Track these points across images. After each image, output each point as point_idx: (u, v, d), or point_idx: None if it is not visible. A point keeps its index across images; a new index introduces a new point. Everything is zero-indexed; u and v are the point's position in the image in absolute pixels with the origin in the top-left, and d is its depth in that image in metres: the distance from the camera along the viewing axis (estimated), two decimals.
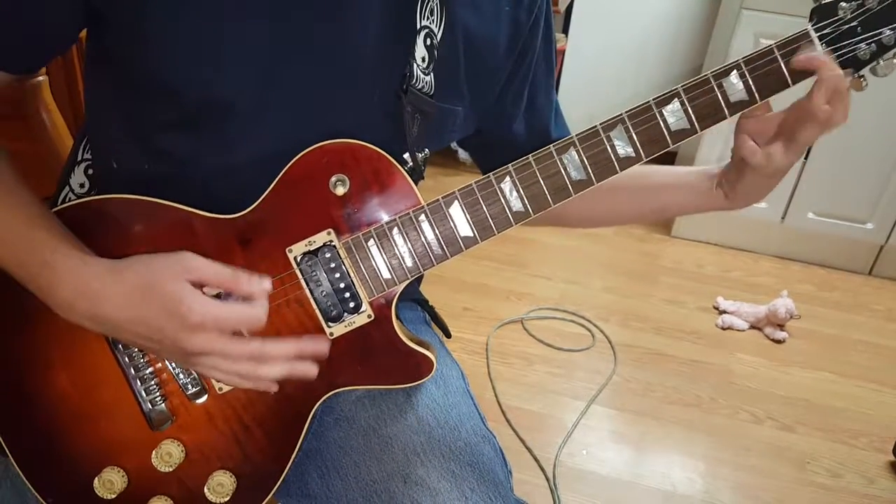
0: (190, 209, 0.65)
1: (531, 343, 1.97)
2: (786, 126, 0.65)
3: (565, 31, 2.77)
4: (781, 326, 2.05)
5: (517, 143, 0.80)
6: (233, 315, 0.60)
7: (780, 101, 0.66)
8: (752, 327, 2.09)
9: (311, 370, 0.64)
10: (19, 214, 0.61)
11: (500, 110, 0.79)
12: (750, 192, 0.72)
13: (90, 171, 0.75)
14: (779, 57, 0.63)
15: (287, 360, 0.63)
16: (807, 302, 2.18)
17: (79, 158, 0.76)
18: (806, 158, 2.25)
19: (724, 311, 2.12)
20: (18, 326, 0.66)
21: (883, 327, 2.16)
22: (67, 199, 0.75)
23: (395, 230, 0.65)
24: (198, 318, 0.57)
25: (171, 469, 0.68)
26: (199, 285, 0.59)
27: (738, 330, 2.08)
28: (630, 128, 0.64)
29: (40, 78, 0.85)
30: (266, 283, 0.62)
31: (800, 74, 0.63)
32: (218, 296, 0.62)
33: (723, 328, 2.08)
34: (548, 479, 1.54)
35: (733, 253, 2.47)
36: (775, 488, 1.57)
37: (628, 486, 1.55)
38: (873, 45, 0.62)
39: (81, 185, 0.75)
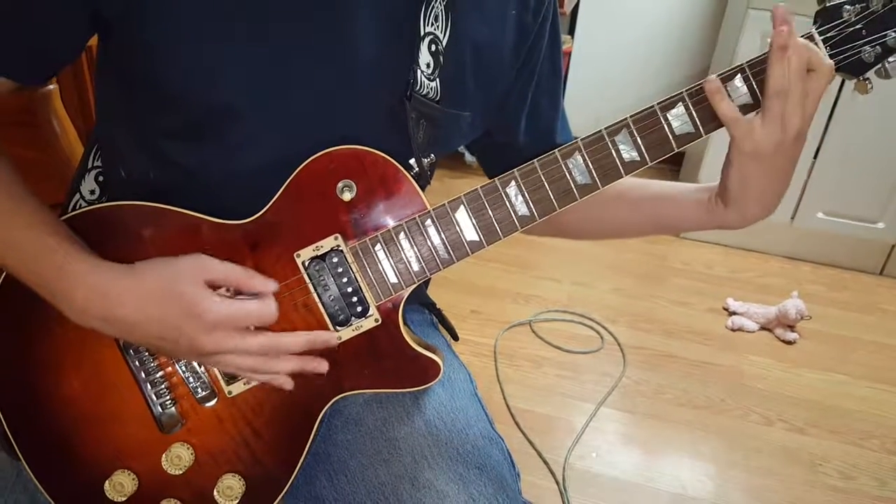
0: (199, 215, 0.65)
1: (539, 345, 1.97)
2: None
3: (571, 32, 2.77)
4: (792, 327, 2.04)
5: (520, 146, 0.80)
6: (246, 312, 0.61)
7: None
8: (763, 328, 2.08)
9: (321, 365, 0.66)
10: (31, 221, 0.62)
11: (504, 113, 0.79)
12: (742, 188, 0.67)
13: (100, 179, 0.76)
14: None
15: (298, 353, 0.64)
16: (817, 302, 2.17)
17: (89, 166, 0.77)
18: (815, 158, 2.24)
19: (734, 313, 2.11)
20: (30, 332, 0.67)
21: (894, 328, 2.14)
22: (78, 206, 0.76)
23: (402, 235, 0.66)
24: (213, 318, 0.59)
25: (180, 472, 0.68)
26: (213, 286, 0.61)
27: (748, 331, 2.07)
28: (635, 132, 0.65)
29: (51, 87, 0.87)
30: (272, 283, 0.64)
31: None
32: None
33: (733, 329, 2.08)
34: (557, 482, 1.54)
35: (742, 254, 2.46)
36: (786, 490, 1.57)
37: (638, 489, 1.55)
38: (878, 47, 0.62)
39: (92, 192, 0.76)
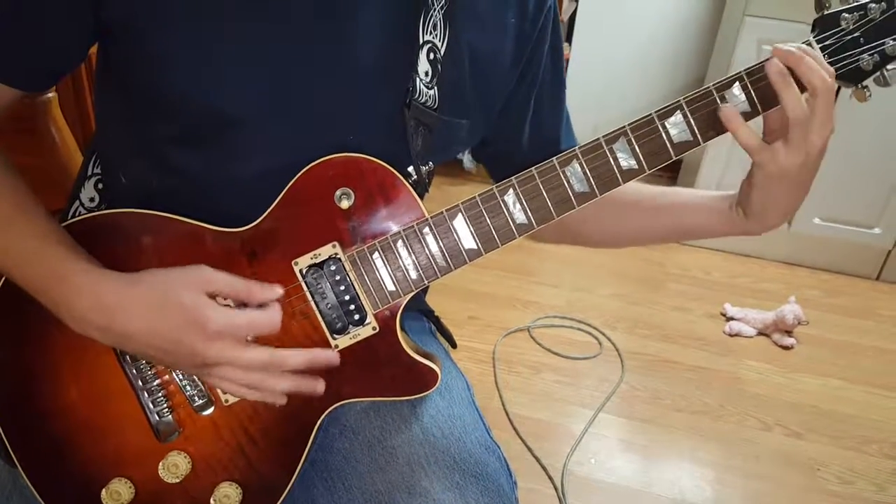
0: (197, 223, 0.66)
1: (538, 351, 1.97)
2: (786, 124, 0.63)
3: (568, 40, 2.77)
4: (789, 333, 2.04)
5: (525, 154, 0.80)
6: (250, 321, 0.61)
7: None
8: (760, 334, 2.08)
9: (318, 386, 0.66)
10: (33, 229, 0.62)
11: (506, 121, 0.79)
12: (765, 203, 0.67)
13: (100, 186, 0.76)
14: None
15: (297, 372, 0.64)
16: (815, 308, 2.17)
17: (89, 173, 0.77)
18: None
19: (732, 318, 2.11)
20: (28, 340, 0.67)
21: (891, 332, 2.14)
22: (78, 213, 0.76)
23: (400, 243, 0.66)
24: (216, 327, 0.59)
25: (177, 480, 0.68)
26: (213, 297, 0.61)
27: (746, 336, 2.07)
28: (633, 140, 0.65)
29: (50, 94, 0.87)
30: (277, 289, 0.64)
31: (804, 85, 0.63)
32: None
33: (730, 335, 2.08)
34: (556, 488, 1.54)
35: (740, 259, 2.47)
36: (785, 496, 1.57)
37: (637, 495, 1.55)
38: (876, 55, 0.62)
39: (91, 200, 0.76)
